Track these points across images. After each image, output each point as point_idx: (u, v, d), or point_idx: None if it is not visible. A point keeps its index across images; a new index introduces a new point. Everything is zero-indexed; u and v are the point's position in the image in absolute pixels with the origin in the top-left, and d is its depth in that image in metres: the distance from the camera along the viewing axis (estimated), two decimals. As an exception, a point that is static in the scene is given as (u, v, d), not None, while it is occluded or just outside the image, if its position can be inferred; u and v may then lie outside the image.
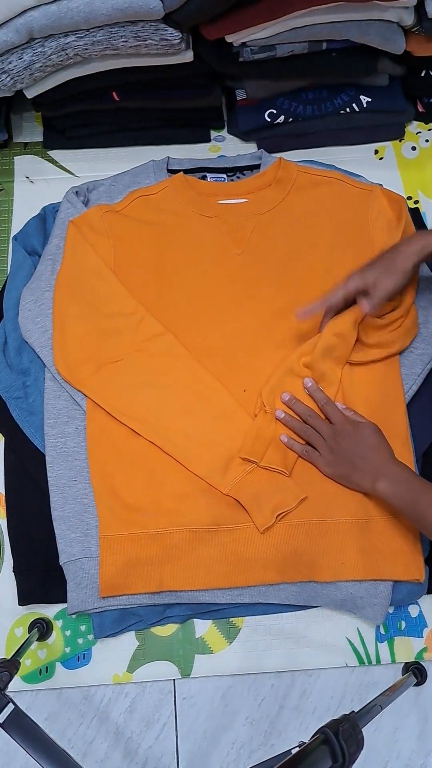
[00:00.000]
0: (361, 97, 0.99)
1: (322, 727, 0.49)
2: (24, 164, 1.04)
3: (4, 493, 0.83)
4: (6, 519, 0.81)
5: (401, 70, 0.98)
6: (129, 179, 0.93)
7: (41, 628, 0.77)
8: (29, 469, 0.81)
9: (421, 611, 0.80)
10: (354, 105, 1.00)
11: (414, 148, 1.06)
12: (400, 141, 1.06)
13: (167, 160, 0.94)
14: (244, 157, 0.95)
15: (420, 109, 1.05)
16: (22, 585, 0.79)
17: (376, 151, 1.06)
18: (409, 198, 1.02)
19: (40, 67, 0.85)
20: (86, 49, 0.83)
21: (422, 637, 0.79)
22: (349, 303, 0.78)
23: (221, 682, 0.79)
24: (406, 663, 0.79)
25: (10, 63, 0.83)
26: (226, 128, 1.07)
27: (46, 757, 0.52)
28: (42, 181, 1.03)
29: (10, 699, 0.56)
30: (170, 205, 0.90)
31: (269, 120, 1.00)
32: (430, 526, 0.66)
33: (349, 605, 0.75)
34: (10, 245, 0.96)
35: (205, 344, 0.82)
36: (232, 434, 0.77)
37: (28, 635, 0.76)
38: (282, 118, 0.99)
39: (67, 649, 0.79)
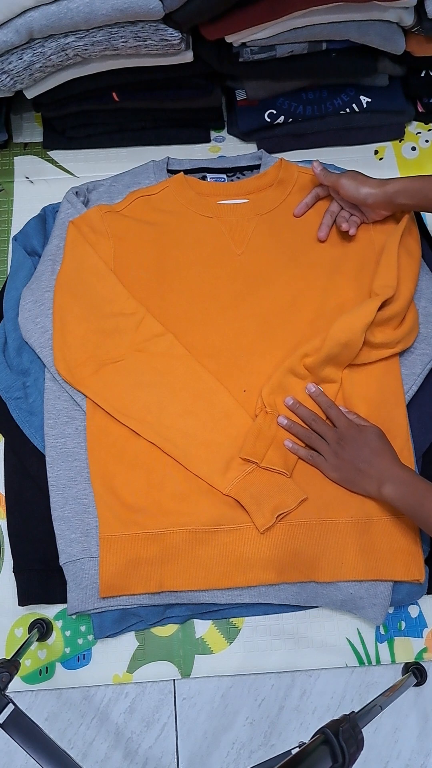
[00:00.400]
0: (361, 97, 0.99)
1: (323, 727, 0.49)
2: (24, 164, 1.04)
3: (4, 493, 0.83)
4: (6, 519, 0.81)
5: (401, 70, 0.98)
6: (129, 179, 0.93)
7: (41, 629, 0.77)
8: (29, 469, 0.81)
9: (421, 611, 0.80)
10: (354, 105, 1.00)
11: (414, 149, 1.06)
12: (400, 141, 1.06)
13: (167, 160, 0.94)
14: (244, 157, 0.95)
15: (420, 109, 1.05)
16: (22, 585, 0.79)
17: (376, 152, 1.06)
18: (409, 198, 1.01)
19: (40, 67, 0.85)
20: (86, 49, 0.83)
21: (422, 637, 0.79)
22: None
23: (221, 683, 0.79)
24: (406, 663, 0.79)
25: (10, 63, 0.83)
26: (226, 128, 1.06)
27: (46, 758, 0.52)
28: (42, 182, 1.03)
29: (10, 699, 0.56)
30: (170, 205, 0.90)
31: (269, 120, 1.00)
32: None
33: (349, 605, 0.75)
34: (10, 245, 0.96)
35: (206, 344, 0.82)
36: (232, 434, 0.77)
37: (28, 635, 0.76)
38: (282, 118, 0.99)
39: (67, 650, 0.79)
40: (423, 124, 1.07)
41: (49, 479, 0.79)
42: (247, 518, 0.75)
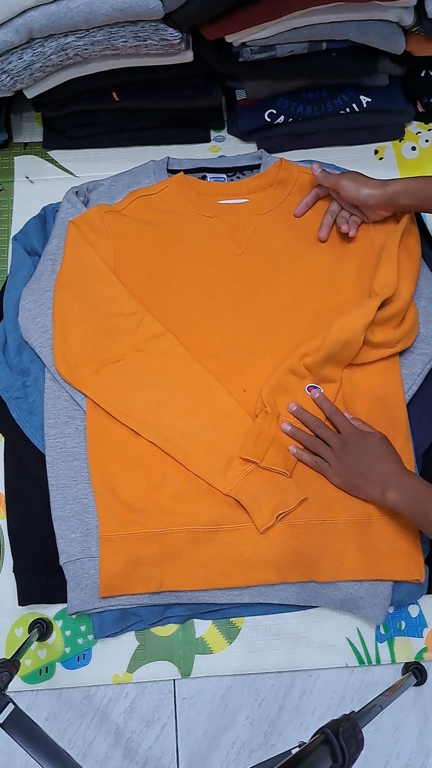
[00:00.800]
0: (361, 97, 0.99)
1: (323, 727, 0.49)
2: (24, 164, 1.04)
3: (4, 493, 0.83)
4: (6, 519, 0.81)
5: (401, 70, 0.98)
6: (129, 179, 0.93)
7: (41, 628, 0.77)
8: (29, 469, 0.81)
9: (421, 611, 0.80)
10: (354, 105, 1.00)
11: (414, 148, 1.06)
12: (400, 141, 1.06)
13: (167, 160, 0.94)
14: (244, 157, 0.95)
15: (420, 109, 1.05)
16: (22, 585, 0.79)
17: (376, 151, 1.06)
18: (409, 198, 1.01)
19: (40, 67, 0.85)
20: (86, 49, 0.83)
21: (422, 637, 0.79)
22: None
23: (221, 682, 0.79)
24: (406, 663, 0.79)
25: (10, 63, 0.83)
26: (226, 128, 1.07)
27: (46, 757, 0.52)
28: (42, 181, 1.03)
29: (10, 699, 0.56)
30: (170, 205, 0.90)
31: (269, 120, 1.00)
32: None
33: (349, 605, 0.75)
34: (10, 245, 0.96)
35: (206, 344, 0.82)
36: (232, 434, 0.77)
37: (28, 635, 0.76)
38: (282, 118, 0.99)
39: (67, 649, 0.79)
40: (423, 123, 1.07)
41: (49, 479, 0.79)
42: (247, 518, 0.75)
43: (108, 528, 0.75)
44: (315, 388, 0.80)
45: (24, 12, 0.77)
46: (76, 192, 0.91)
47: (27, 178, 1.03)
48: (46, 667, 0.78)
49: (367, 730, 0.52)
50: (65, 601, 0.76)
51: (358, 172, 0.83)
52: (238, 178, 0.95)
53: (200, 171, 0.95)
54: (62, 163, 1.04)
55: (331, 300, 0.85)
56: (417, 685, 0.78)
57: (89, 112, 1.00)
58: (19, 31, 0.78)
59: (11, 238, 0.96)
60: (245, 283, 0.86)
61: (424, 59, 0.95)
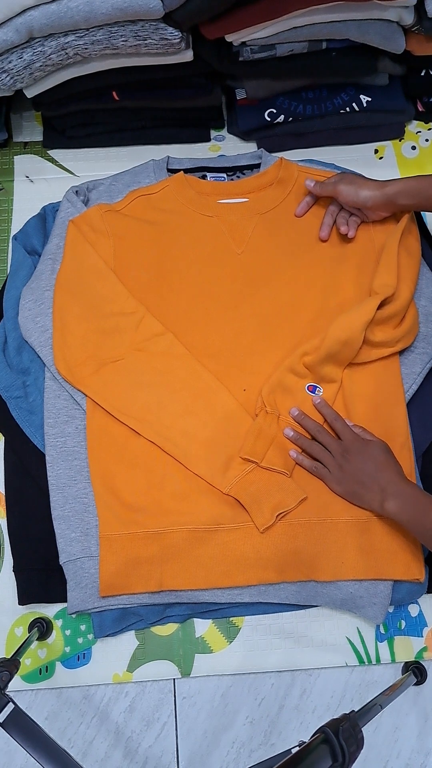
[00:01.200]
0: (361, 96, 0.99)
1: (322, 726, 0.49)
2: (24, 164, 1.04)
3: (4, 493, 0.83)
4: (6, 519, 0.81)
5: (401, 69, 0.98)
6: (129, 179, 0.93)
7: (41, 628, 0.77)
8: (29, 468, 0.81)
9: (421, 611, 0.80)
10: (354, 104, 1.00)
11: (414, 148, 1.06)
12: (400, 140, 1.06)
13: (167, 159, 0.94)
14: (244, 156, 0.95)
15: (420, 108, 1.05)
16: (22, 584, 0.79)
17: (376, 151, 1.06)
18: (409, 197, 1.01)
19: (40, 66, 0.85)
20: (86, 48, 0.83)
21: (422, 636, 0.79)
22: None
23: (221, 682, 0.79)
24: (406, 662, 0.79)
25: (10, 62, 0.83)
26: (226, 128, 1.06)
27: (46, 757, 0.52)
28: (42, 181, 1.03)
29: (10, 698, 0.56)
30: (170, 204, 0.90)
31: (269, 119, 1.00)
32: None
33: (349, 605, 0.75)
34: (10, 245, 0.96)
35: (206, 344, 0.82)
36: (232, 434, 0.77)
37: (28, 635, 0.76)
38: (282, 117, 0.99)
39: (67, 649, 0.79)
40: (423, 123, 1.07)
41: (49, 478, 0.79)
42: (247, 517, 0.75)
43: (108, 527, 0.75)
44: (315, 387, 0.80)
45: (24, 11, 0.77)
46: (76, 191, 0.91)
47: (27, 177, 1.03)
48: (46, 667, 0.78)
49: (367, 730, 0.52)
50: (65, 601, 0.76)
51: (355, 173, 0.83)
52: (238, 177, 0.95)
53: (200, 170, 0.95)
54: (62, 163, 1.04)
55: (331, 299, 0.85)
56: (417, 684, 0.78)
57: (89, 112, 1.00)
58: (19, 30, 0.78)
59: (11, 237, 0.96)
60: (245, 282, 0.86)
61: (424, 58, 0.95)
